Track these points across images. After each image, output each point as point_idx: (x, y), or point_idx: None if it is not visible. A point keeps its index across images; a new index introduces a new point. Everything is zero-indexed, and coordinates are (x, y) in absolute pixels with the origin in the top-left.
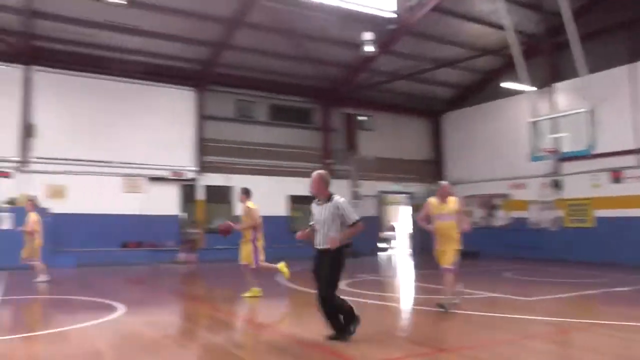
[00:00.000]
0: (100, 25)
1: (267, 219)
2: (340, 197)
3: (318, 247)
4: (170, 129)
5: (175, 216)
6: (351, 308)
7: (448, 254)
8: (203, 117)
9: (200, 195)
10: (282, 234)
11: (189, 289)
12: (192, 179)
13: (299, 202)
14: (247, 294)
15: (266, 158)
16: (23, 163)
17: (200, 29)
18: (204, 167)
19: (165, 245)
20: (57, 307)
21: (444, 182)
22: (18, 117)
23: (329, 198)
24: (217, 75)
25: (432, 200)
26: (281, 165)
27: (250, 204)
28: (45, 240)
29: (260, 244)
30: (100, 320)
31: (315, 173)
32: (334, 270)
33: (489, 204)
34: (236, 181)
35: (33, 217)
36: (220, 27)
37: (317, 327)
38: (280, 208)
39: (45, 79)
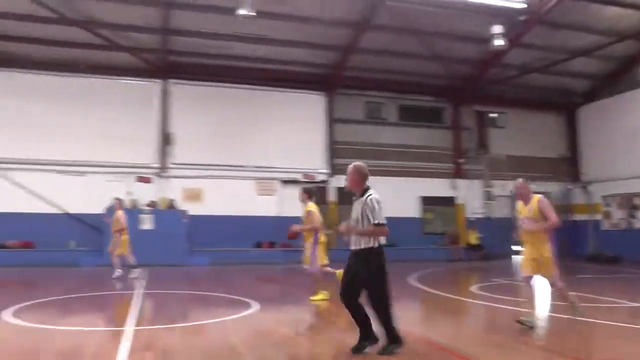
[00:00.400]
0: (231, 37)
1: (399, 221)
2: (374, 194)
3: (351, 247)
4: (301, 133)
5: None
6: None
7: (547, 267)
8: (333, 120)
9: (332, 197)
10: (413, 236)
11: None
12: (324, 181)
13: (431, 203)
14: (315, 297)
15: (397, 159)
16: (162, 169)
17: (327, 35)
18: (335, 170)
19: (298, 245)
20: (194, 302)
21: (519, 180)
22: (157, 127)
23: (363, 193)
24: (346, 79)
25: (520, 202)
26: (412, 166)
27: (311, 205)
28: (182, 240)
29: (322, 247)
30: (235, 316)
31: (351, 165)
32: (366, 272)
33: (629, 204)
34: (367, 183)
35: (120, 215)
36: (347, 31)
37: (448, 330)
38: (411, 210)
39: (181, 90)
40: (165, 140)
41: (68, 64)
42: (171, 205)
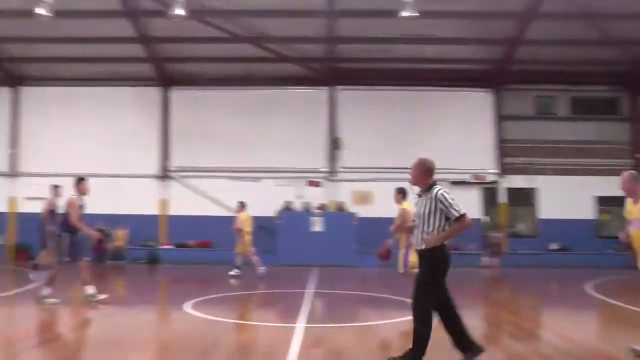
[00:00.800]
0: (394, 40)
1: (571, 223)
2: (441, 188)
3: (416, 247)
4: (469, 132)
5: (477, 220)
6: (426, 339)
7: None
8: (501, 118)
9: (502, 198)
10: (587, 239)
11: (492, 294)
12: (494, 182)
13: (607, 203)
14: None
15: (569, 156)
16: (331, 173)
17: (492, 28)
18: (505, 169)
19: (467, 248)
20: (364, 303)
21: (626, 173)
22: (325, 133)
23: (428, 189)
24: (513, 73)
25: (629, 200)
26: (586, 163)
27: (405, 204)
28: (352, 242)
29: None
30: (403, 319)
31: (416, 160)
32: (428, 274)
33: None
34: (539, 182)
35: (242, 217)
36: (512, 23)
37: (625, 343)
38: (586, 211)
39: (347, 96)
40: (334, 144)
41: (240, 78)
42: (341, 208)
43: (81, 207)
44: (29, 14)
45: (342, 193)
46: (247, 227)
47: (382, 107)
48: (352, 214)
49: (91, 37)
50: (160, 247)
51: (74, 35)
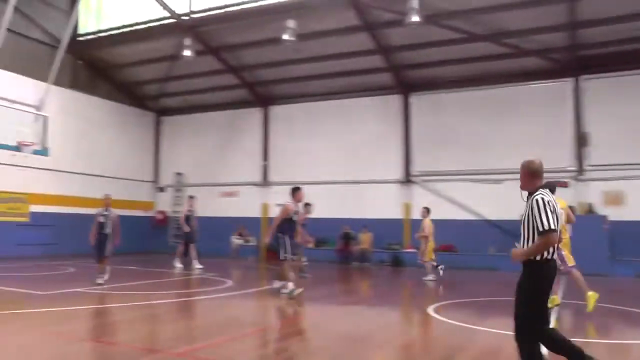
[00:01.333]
0: None
1: None
2: (543, 195)
3: None
4: None
5: None
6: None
7: None
8: None
9: None
10: None
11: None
12: None
13: None
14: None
15: None
16: (579, 172)
17: None
18: None
19: None
20: (615, 317)
21: None
22: (571, 128)
23: (532, 194)
24: None
25: None
26: None
27: (562, 202)
28: (603, 248)
29: (565, 247)
30: None
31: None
32: (527, 291)
33: None
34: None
35: (426, 222)
36: None
37: None
38: None
39: (594, 85)
40: (581, 141)
41: (477, 77)
42: (590, 210)
43: (296, 213)
44: (275, 41)
45: (592, 194)
46: (429, 233)
47: (636, 95)
48: (602, 217)
49: (332, 54)
50: (404, 250)
51: (316, 54)
